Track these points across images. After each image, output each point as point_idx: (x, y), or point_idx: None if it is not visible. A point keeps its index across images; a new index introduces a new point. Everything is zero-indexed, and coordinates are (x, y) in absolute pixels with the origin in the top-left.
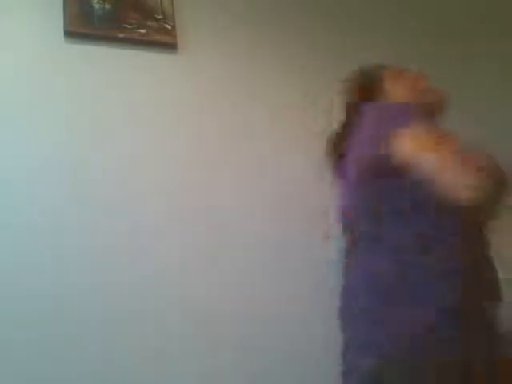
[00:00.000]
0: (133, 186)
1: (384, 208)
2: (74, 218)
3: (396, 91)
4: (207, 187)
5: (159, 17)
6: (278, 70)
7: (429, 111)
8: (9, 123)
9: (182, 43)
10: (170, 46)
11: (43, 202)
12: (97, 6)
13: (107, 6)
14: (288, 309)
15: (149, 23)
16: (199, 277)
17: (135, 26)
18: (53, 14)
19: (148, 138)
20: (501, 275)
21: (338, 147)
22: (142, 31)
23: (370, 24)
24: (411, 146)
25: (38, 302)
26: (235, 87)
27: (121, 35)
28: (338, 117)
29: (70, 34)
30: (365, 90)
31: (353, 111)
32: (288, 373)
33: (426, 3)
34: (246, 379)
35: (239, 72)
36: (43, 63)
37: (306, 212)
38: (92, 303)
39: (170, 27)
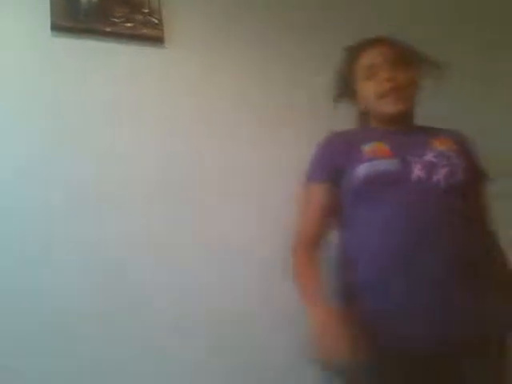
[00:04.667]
0: (120, 181)
1: None
2: (65, 217)
3: (361, 94)
4: (194, 183)
5: (146, 10)
6: (265, 64)
7: (383, 119)
8: None
9: (169, 37)
10: (156, 40)
11: (32, 200)
12: (84, 0)
13: (94, 0)
14: (291, 308)
15: (136, 17)
16: (199, 276)
17: (122, 19)
18: (40, 7)
19: (135, 132)
20: None
21: None
22: (129, 25)
23: (370, 22)
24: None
25: (35, 301)
26: (223, 81)
27: (108, 29)
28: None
29: (57, 27)
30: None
31: None
32: (291, 373)
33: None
34: (246, 379)
35: (226, 65)
36: (30, 57)
37: None
38: (90, 302)
39: (156, 21)
